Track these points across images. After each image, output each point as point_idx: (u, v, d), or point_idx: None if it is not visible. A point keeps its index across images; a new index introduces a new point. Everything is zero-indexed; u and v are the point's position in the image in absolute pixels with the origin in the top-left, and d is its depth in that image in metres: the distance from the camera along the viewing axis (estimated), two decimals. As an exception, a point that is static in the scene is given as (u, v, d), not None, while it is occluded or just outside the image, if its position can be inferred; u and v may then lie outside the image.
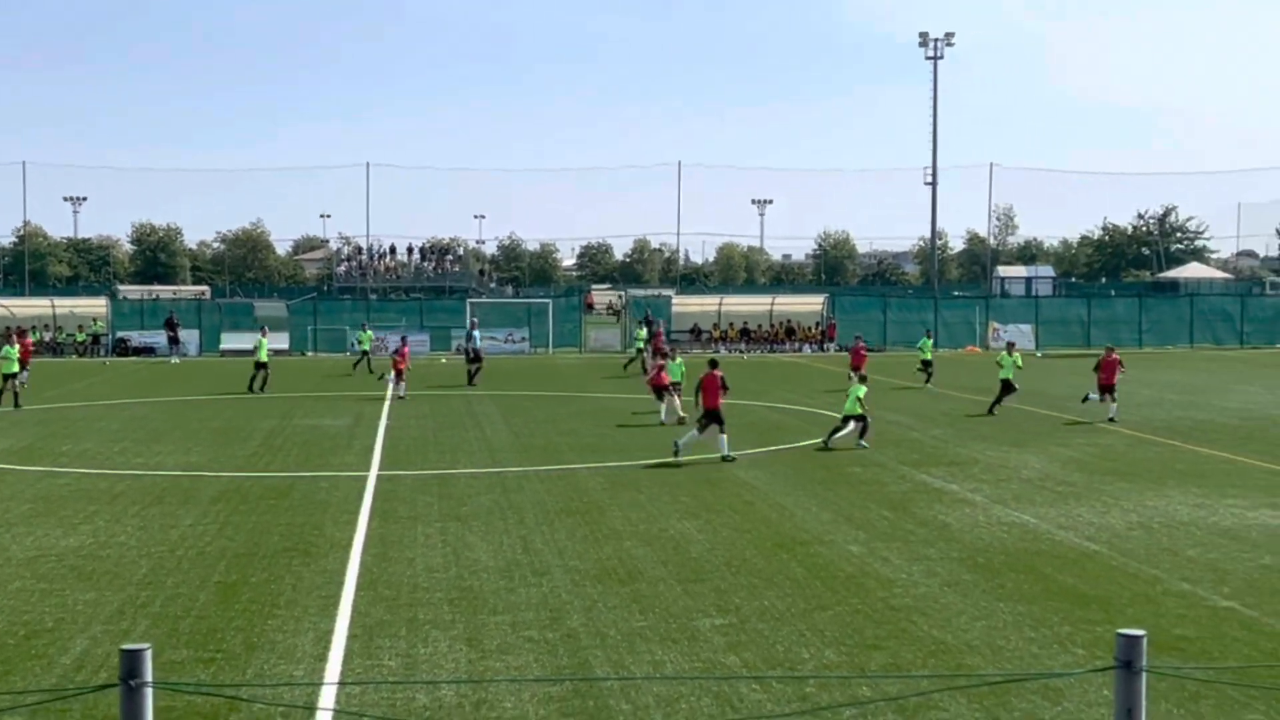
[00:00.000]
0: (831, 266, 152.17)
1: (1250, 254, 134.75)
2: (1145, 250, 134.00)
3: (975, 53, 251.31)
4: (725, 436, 26.52)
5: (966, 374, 47.23)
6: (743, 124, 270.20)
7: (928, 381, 43.75)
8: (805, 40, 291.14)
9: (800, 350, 69.11)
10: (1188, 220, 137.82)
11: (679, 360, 35.89)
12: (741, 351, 67.61)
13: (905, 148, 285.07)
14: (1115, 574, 16.25)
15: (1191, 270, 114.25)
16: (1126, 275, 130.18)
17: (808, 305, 75.69)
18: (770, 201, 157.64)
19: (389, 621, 14.00)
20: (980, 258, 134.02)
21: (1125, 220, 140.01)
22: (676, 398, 33.75)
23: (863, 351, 43.20)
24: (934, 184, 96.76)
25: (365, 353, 53.06)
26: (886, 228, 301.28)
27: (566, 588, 15.51)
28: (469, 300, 74.07)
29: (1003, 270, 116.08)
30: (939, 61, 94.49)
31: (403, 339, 47.15)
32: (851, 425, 28.52)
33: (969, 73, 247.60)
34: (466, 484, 23.55)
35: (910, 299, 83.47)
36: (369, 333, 55.15)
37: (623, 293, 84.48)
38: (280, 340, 65.08)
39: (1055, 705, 11.19)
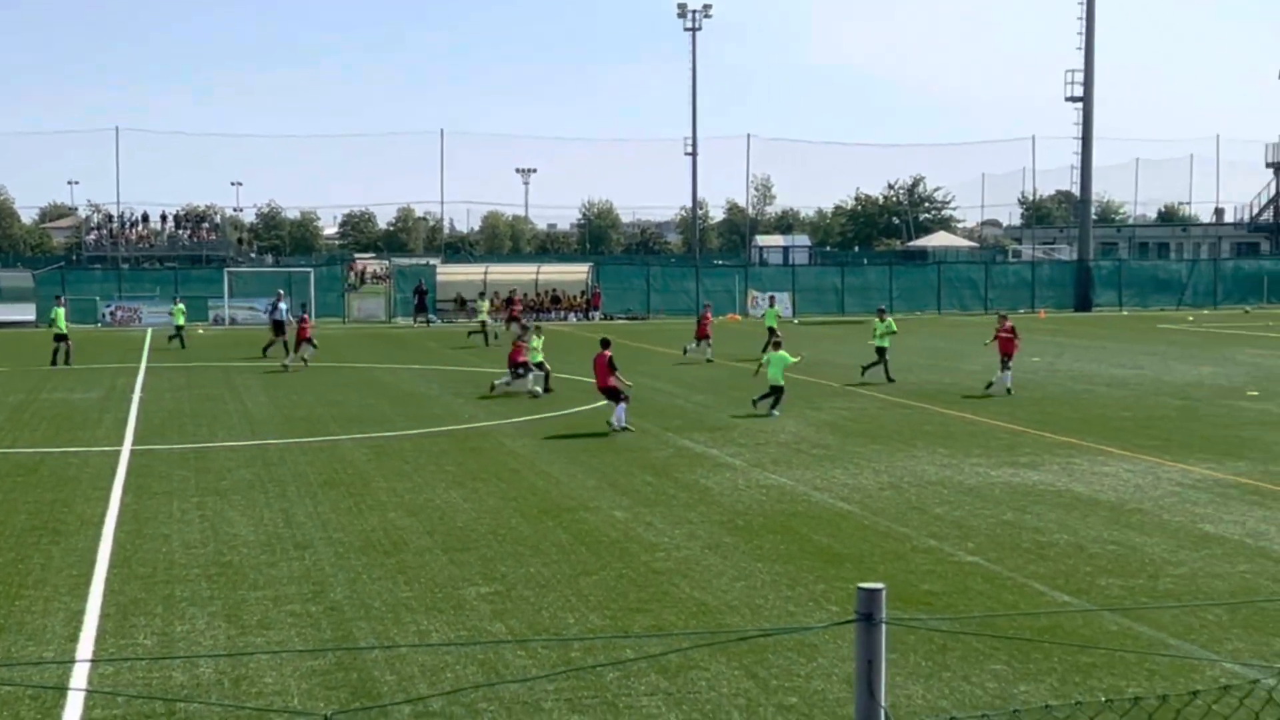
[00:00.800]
0: (596, 236, 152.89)
1: (994, 223, 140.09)
2: (895, 220, 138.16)
3: (733, 24, 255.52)
4: (623, 407, 26.12)
5: (730, 341, 48.11)
6: (506, 92, 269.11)
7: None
8: (566, 8, 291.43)
9: (565, 319, 69.42)
10: (935, 190, 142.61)
11: (540, 339, 33.77)
12: (505, 321, 67.53)
13: (667, 118, 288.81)
14: (867, 532, 16.86)
15: (939, 239, 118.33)
16: (878, 244, 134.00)
17: (572, 274, 76.06)
18: (534, 170, 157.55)
19: (144, 599, 13.65)
20: (740, 227, 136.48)
21: (876, 190, 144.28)
22: (530, 375, 32.93)
23: (708, 319, 43.09)
24: (694, 154, 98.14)
25: (180, 328, 50.48)
26: (649, 197, 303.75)
27: (330, 560, 15.35)
28: (226, 270, 72.15)
29: (761, 239, 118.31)
30: (697, 33, 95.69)
31: (303, 306, 45.62)
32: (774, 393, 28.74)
33: (728, 44, 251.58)
34: (225, 457, 23.03)
35: (673, 268, 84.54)
36: (181, 305, 52.42)
37: (387, 261, 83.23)
38: (26, 311, 62.36)
39: (811, 661, 11.58)
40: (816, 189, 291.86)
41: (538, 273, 75.18)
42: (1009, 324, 33.29)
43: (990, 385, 32.48)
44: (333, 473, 21.29)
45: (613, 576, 14.61)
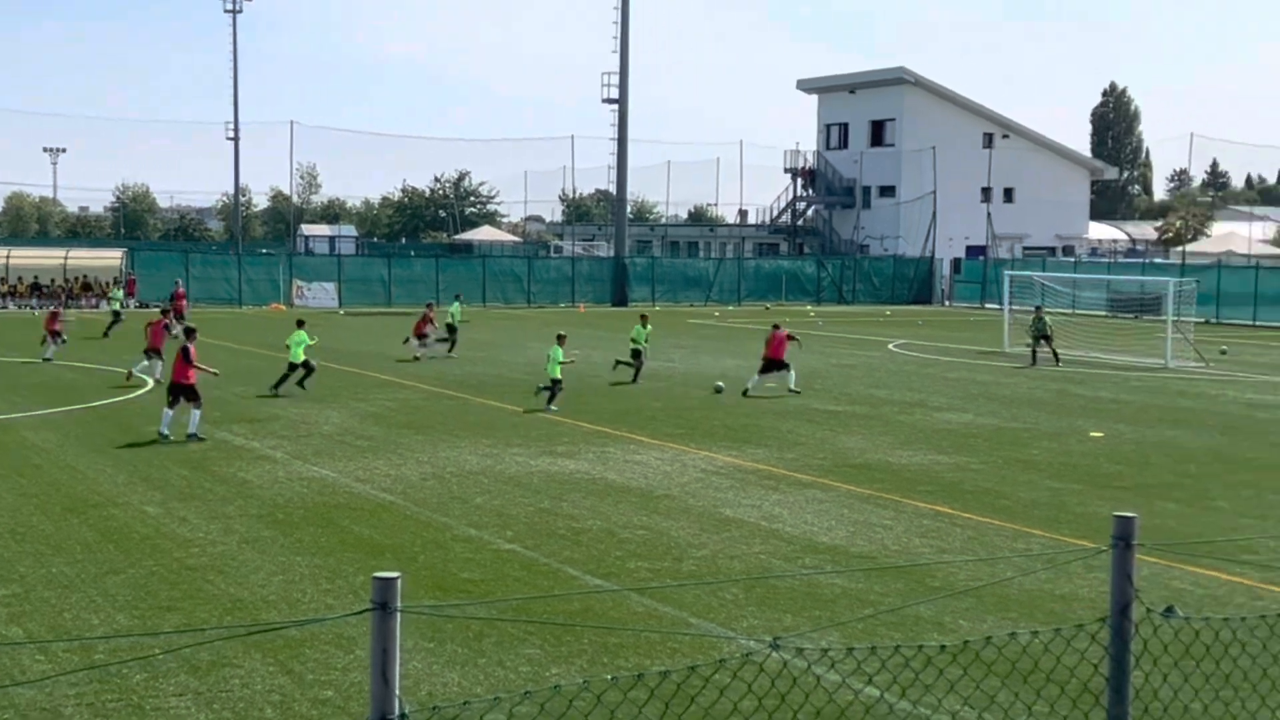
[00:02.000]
0: (131, 220, 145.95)
1: (537, 219, 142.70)
2: (442, 213, 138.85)
3: (278, 11, 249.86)
4: (197, 413, 23.49)
5: (271, 332, 47.10)
6: (30, 63, 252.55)
7: (451, 350, 40.95)
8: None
9: (98, 306, 66.06)
10: (480, 185, 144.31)
11: (311, 335, 30.33)
12: (33, 308, 63.75)
13: (208, 101, 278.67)
14: (409, 523, 16.98)
15: (484, 233, 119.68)
16: (425, 236, 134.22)
17: (105, 259, 72.55)
18: (64, 150, 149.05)
19: None
20: (285, 215, 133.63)
21: (424, 184, 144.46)
22: (159, 363, 30.93)
23: (430, 318, 41.00)
24: (236, 139, 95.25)
25: None
26: (190, 182, 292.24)
27: None
28: None
29: (307, 228, 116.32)
30: (238, 16, 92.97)
31: (56, 301, 40.53)
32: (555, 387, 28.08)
33: (272, 31, 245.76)
34: None
35: (214, 255, 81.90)
36: None
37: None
38: None
39: (348, 654, 11.59)
40: (364, 180, 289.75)
41: (66, 257, 71.13)
42: (782, 331, 32.13)
43: (717, 389, 32.27)
44: None
45: (143, 574, 14.12)
